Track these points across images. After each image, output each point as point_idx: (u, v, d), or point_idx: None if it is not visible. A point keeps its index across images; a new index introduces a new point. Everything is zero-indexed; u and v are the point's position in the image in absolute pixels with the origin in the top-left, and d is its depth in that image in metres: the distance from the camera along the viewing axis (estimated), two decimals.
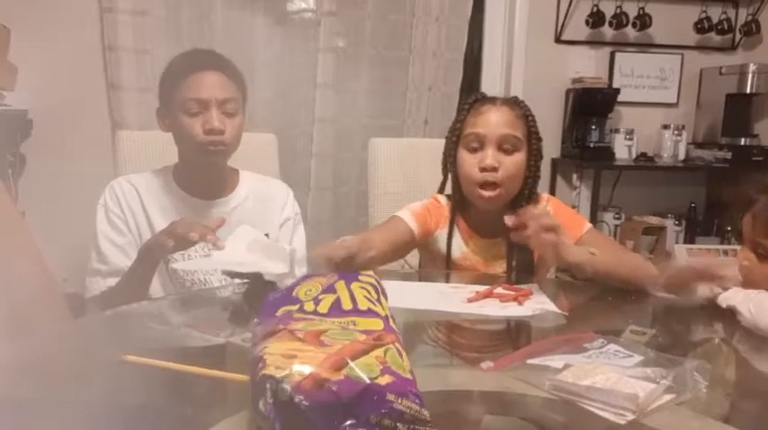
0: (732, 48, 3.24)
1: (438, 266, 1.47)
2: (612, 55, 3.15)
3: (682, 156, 3.13)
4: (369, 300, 0.73)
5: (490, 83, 3.09)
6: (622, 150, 3.08)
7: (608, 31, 3.10)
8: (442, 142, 1.48)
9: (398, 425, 0.56)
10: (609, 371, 0.78)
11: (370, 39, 2.80)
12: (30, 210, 2.06)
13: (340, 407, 0.55)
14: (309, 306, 0.72)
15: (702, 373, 0.79)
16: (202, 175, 1.47)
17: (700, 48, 3.22)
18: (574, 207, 3.02)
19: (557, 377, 0.77)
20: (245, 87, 1.47)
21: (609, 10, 3.01)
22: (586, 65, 3.11)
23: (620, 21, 3.00)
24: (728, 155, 2.98)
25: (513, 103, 1.41)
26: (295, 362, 0.57)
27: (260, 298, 0.78)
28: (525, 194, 1.41)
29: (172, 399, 0.76)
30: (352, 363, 0.58)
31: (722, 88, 3.09)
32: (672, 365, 0.80)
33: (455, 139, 1.42)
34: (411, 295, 1.17)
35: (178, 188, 1.46)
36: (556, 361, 0.83)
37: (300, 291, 0.76)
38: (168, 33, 2.55)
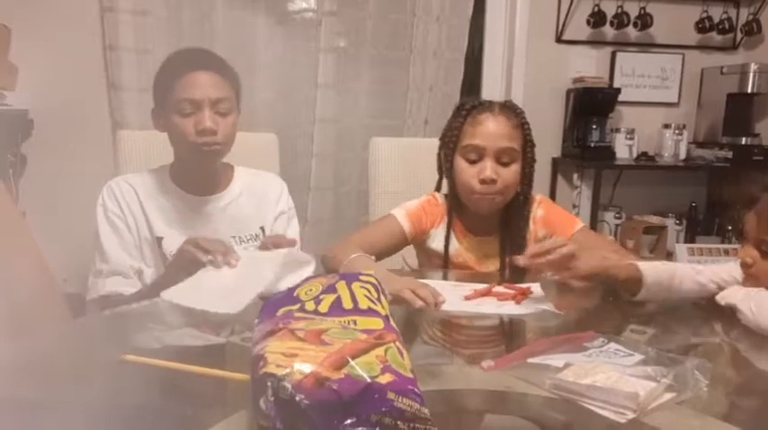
0: (733, 47, 3.23)
1: (432, 263, 1.50)
2: (613, 55, 3.14)
3: (683, 155, 3.12)
4: (369, 299, 0.73)
5: (491, 83, 3.09)
6: (623, 150, 3.08)
7: (609, 31, 3.09)
8: None
9: (399, 423, 0.56)
10: (609, 369, 0.78)
11: (370, 39, 2.80)
12: (30, 211, 2.06)
13: (340, 405, 0.55)
14: (310, 305, 0.72)
15: (703, 372, 0.79)
16: (197, 173, 1.47)
17: (701, 47, 3.21)
18: (575, 207, 3.02)
19: (557, 376, 0.77)
20: (239, 85, 1.47)
21: (610, 10, 3.00)
22: (587, 64, 3.11)
23: (621, 20, 3.00)
24: (729, 154, 2.97)
25: (510, 110, 1.42)
26: (296, 361, 0.57)
27: None
28: (520, 200, 1.45)
29: (172, 399, 0.76)
30: (352, 362, 0.58)
31: (723, 88, 3.08)
32: (672, 364, 0.80)
33: (452, 146, 1.43)
34: None
35: (174, 186, 1.47)
36: (556, 360, 0.83)
37: (301, 291, 0.77)
38: (169, 33, 2.55)
